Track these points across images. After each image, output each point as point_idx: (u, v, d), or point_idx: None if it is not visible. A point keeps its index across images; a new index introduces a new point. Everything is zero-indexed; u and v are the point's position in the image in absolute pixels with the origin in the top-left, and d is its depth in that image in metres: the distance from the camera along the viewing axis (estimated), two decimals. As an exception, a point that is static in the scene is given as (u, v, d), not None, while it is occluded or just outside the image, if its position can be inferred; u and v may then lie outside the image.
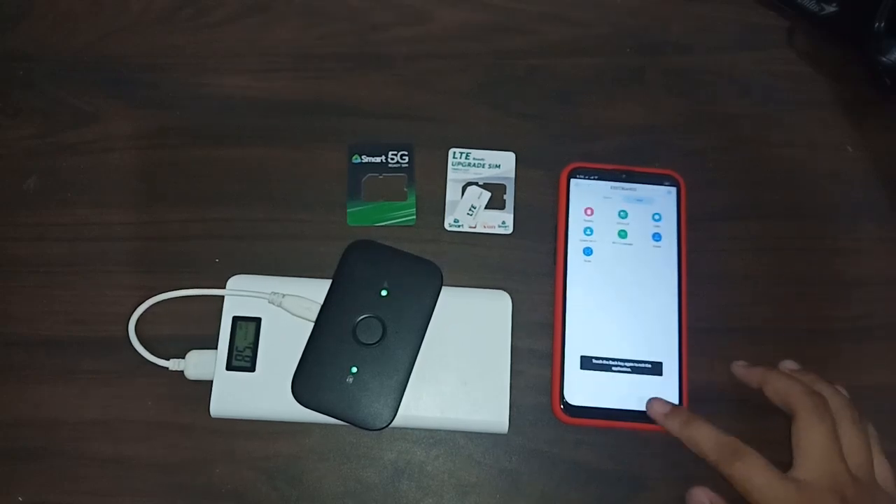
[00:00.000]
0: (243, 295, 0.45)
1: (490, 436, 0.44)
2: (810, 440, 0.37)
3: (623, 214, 0.47)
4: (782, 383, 0.40)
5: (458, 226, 0.48)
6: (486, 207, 0.49)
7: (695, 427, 0.39)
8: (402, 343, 0.43)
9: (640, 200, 0.47)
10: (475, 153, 0.50)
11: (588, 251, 0.46)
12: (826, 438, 0.37)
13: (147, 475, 0.43)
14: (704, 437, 0.39)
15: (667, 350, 0.44)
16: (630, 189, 0.48)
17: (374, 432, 0.44)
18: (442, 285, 0.45)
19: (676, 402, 0.43)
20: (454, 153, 0.50)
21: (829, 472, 0.37)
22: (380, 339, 0.44)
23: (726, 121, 0.51)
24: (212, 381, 0.44)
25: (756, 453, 0.37)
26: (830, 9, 0.51)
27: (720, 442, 0.38)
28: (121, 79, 0.51)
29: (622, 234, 0.47)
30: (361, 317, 0.44)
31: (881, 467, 0.39)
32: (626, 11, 0.54)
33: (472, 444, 0.44)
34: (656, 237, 0.47)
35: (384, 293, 0.44)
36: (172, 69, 0.52)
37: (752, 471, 0.37)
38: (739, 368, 0.43)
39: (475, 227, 0.48)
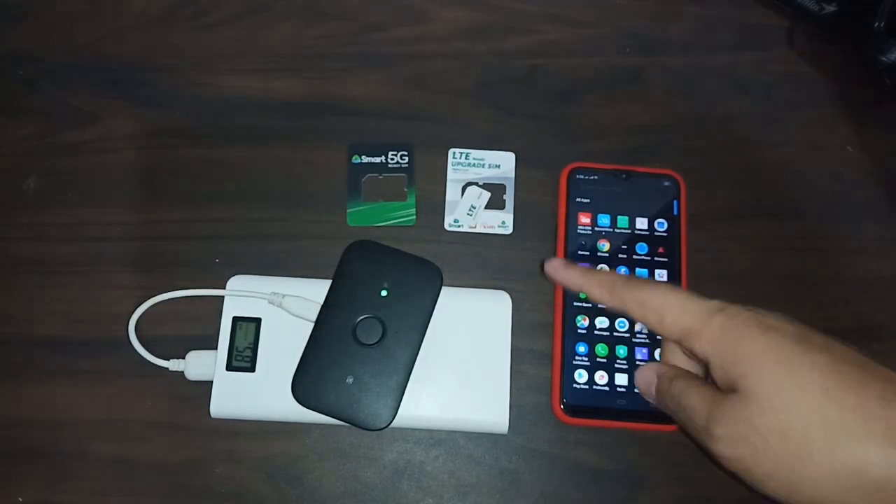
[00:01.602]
0: (243, 295, 0.45)
1: (490, 436, 0.44)
2: (671, 301, 0.32)
3: (623, 214, 0.47)
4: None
5: (458, 226, 0.48)
6: (486, 207, 0.49)
7: (595, 272, 0.36)
8: (402, 343, 0.43)
9: (640, 200, 0.47)
10: (475, 153, 0.50)
11: (588, 251, 0.46)
12: (684, 292, 0.32)
13: (147, 475, 0.43)
14: (606, 276, 0.35)
15: (667, 350, 0.44)
16: (630, 189, 0.48)
17: (374, 432, 0.44)
18: (442, 285, 0.45)
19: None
20: (454, 153, 0.50)
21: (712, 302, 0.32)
22: (380, 340, 0.44)
23: (726, 121, 0.51)
24: (212, 382, 0.44)
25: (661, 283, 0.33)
26: (830, 9, 0.51)
27: (624, 276, 0.34)
28: (121, 79, 0.51)
29: (622, 234, 0.47)
30: (361, 317, 0.44)
31: None
32: (626, 11, 0.54)
33: (472, 444, 0.44)
34: (656, 237, 0.47)
35: (384, 293, 0.44)
36: (172, 69, 0.52)
37: (666, 289, 0.32)
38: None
39: (475, 228, 0.48)
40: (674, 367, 0.34)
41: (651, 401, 0.35)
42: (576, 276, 0.36)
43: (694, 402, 0.31)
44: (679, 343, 0.32)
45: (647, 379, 0.35)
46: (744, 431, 0.29)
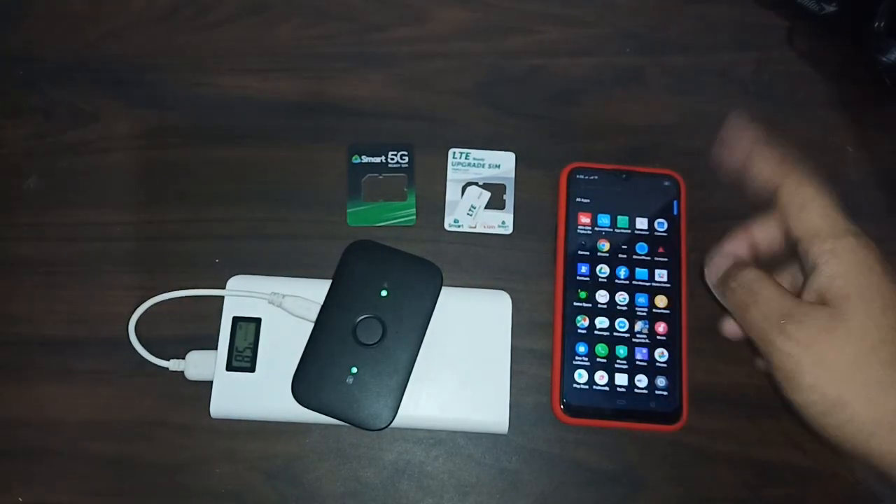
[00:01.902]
0: (243, 295, 0.45)
1: (490, 436, 0.44)
2: (820, 204, 0.33)
3: (623, 214, 0.47)
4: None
5: (458, 226, 0.48)
6: (486, 207, 0.49)
7: (764, 148, 0.36)
8: (402, 343, 0.43)
9: (640, 200, 0.47)
10: (475, 153, 0.50)
11: (588, 251, 0.46)
12: (833, 201, 0.34)
13: (147, 475, 0.43)
14: (773, 152, 0.35)
15: (667, 350, 0.44)
16: (630, 189, 0.48)
17: (374, 432, 0.44)
18: (442, 285, 0.45)
19: (677, 402, 0.43)
20: (454, 153, 0.50)
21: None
22: (380, 340, 0.44)
23: (726, 121, 0.51)
24: (212, 382, 0.44)
25: None
26: (830, 9, 0.51)
27: (792, 163, 0.35)
28: (121, 79, 0.51)
29: (622, 234, 0.47)
30: (361, 317, 0.44)
31: None
32: (626, 11, 0.54)
33: (472, 444, 0.44)
34: (656, 237, 0.47)
35: (384, 293, 0.44)
36: (172, 69, 0.52)
37: (819, 190, 0.33)
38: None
39: (475, 227, 0.48)
40: (741, 261, 0.35)
41: (714, 288, 0.36)
42: (744, 149, 0.36)
43: (772, 294, 0.32)
44: (799, 239, 0.33)
45: (718, 266, 0.36)
46: (818, 339, 0.30)
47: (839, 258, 0.31)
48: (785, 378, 0.31)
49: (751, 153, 0.36)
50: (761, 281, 0.33)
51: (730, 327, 0.39)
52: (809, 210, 0.33)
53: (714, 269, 0.36)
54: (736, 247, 0.36)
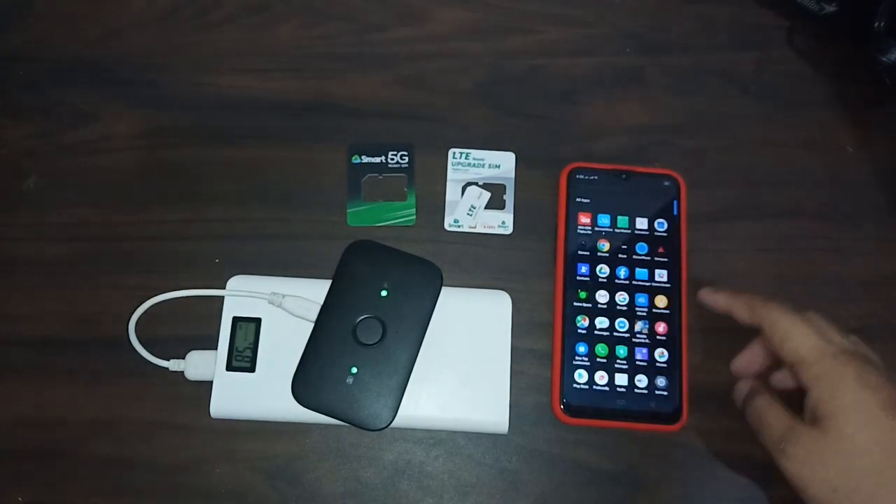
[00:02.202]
0: (243, 295, 0.45)
1: (490, 436, 0.44)
2: (797, 331, 0.37)
3: (623, 214, 0.47)
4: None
5: (458, 226, 0.48)
6: (486, 207, 0.49)
7: (742, 292, 0.41)
8: (402, 343, 0.43)
9: (640, 200, 0.47)
10: (475, 153, 0.50)
11: (588, 251, 0.46)
12: (810, 326, 0.37)
13: (147, 475, 0.43)
14: (751, 295, 0.40)
15: (667, 350, 0.44)
16: (630, 189, 0.48)
17: (374, 432, 0.44)
18: (442, 285, 0.45)
19: (677, 403, 0.43)
20: (454, 153, 0.50)
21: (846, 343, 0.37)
22: (380, 340, 0.44)
23: (726, 121, 0.51)
24: (212, 382, 0.44)
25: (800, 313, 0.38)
26: (830, 9, 0.51)
27: (768, 296, 0.40)
28: (121, 79, 0.51)
29: (622, 234, 0.47)
30: (361, 317, 0.44)
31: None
32: (626, 11, 0.54)
33: (472, 444, 0.44)
34: (656, 237, 0.47)
35: (384, 293, 0.44)
36: (172, 69, 0.52)
37: (796, 318, 0.37)
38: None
39: (475, 228, 0.48)
40: (760, 384, 0.40)
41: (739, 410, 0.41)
42: (723, 299, 0.42)
43: (772, 418, 0.37)
44: (790, 367, 0.38)
45: (740, 390, 0.41)
46: (813, 457, 0.34)
47: (821, 382, 0.35)
48: (796, 490, 0.35)
49: (727, 307, 0.41)
50: (768, 407, 0.38)
51: (741, 362, 0.42)
52: (789, 342, 0.37)
53: (738, 394, 0.42)
54: (747, 363, 0.42)
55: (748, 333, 0.46)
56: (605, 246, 0.46)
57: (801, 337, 0.37)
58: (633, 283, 0.46)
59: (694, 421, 0.44)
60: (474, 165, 0.49)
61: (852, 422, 0.34)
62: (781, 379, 0.41)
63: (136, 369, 0.45)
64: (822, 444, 0.34)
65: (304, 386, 0.43)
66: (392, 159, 0.49)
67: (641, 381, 0.44)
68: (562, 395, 0.44)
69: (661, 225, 0.47)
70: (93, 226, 0.48)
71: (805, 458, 0.35)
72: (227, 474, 0.43)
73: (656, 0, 0.54)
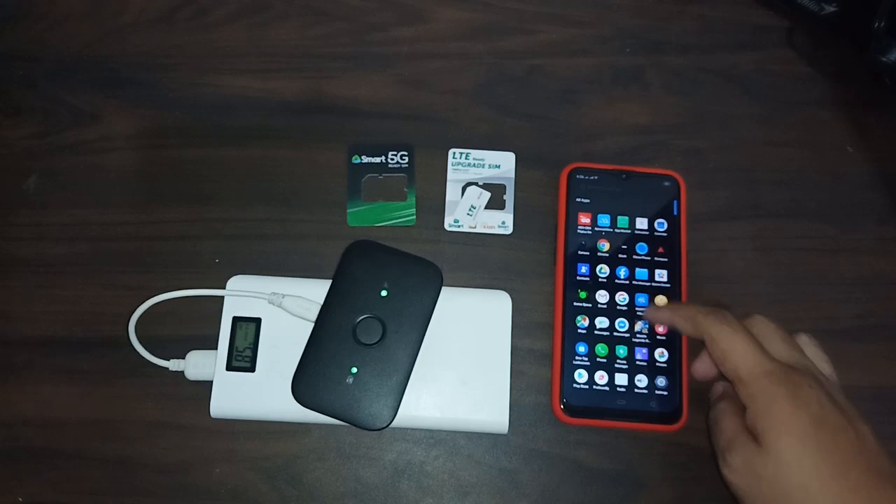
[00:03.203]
0: (243, 295, 0.45)
1: (490, 436, 0.44)
2: (735, 348, 0.38)
3: (623, 214, 0.47)
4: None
5: (458, 226, 0.48)
6: (486, 207, 0.49)
7: (684, 304, 0.42)
8: (402, 343, 0.43)
9: (640, 200, 0.47)
10: (475, 153, 0.50)
11: (588, 251, 0.46)
12: (749, 343, 0.38)
13: (147, 475, 0.43)
14: (694, 308, 0.40)
15: (667, 350, 0.44)
16: (630, 189, 0.48)
17: (374, 432, 0.44)
18: (442, 285, 0.45)
19: (677, 402, 0.43)
20: (454, 153, 0.50)
21: (794, 357, 0.38)
22: (380, 340, 0.44)
23: (726, 121, 0.51)
24: (212, 382, 0.44)
25: (743, 325, 0.38)
26: (830, 9, 0.51)
27: (709, 309, 0.40)
28: (121, 79, 0.51)
29: (622, 234, 0.47)
30: (361, 317, 0.44)
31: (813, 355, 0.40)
32: (626, 11, 0.54)
33: (472, 444, 0.44)
34: (656, 237, 0.47)
35: (384, 293, 0.44)
36: (172, 69, 0.52)
37: (735, 334, 0.38)
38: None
39: (475, 228, 0.48)
40: (726, 391, 0.41)
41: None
42: (666, 313, 0.42)
43: (724, 426, 0.38)
44: (730, 382, 0.38)
45: (713, 391, 0.42)
46: (747, 469, 0.36)
47: (756, 401, 0.36)
48: (735, 498, 0.38)
49: (671, 321, 0.42)
50: (723, 414, 0.39)
51: (699, 367, 0.42)
52: (727, 360, 0.38)
53: (711, 395, 0.42)
54: (705, 369, 0.42)
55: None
56: (605, 246, 0.46)
57: (737, 356, 0.37)
58: (633, 283, 0.46)
59: (694, 421, 0.43)
60: (474, 165, 0.49)
61: (783, 439, 0.35)
62: (702, 371, 0.43)
63: (136, 369, 0.45)
64: (756, 457, 0.36)
65: (304, 386, 0.43)
66: (392, 159, 0.49)
67: (641, 380, 0.44)
68: (562, 395, 0.44)
69: (661, 225, 0.47)
70: (93, 226, 0.48)
71: (742, 469, 0.36)
72: (227, 474, 0.43)
73: (656, 0, 0.54)
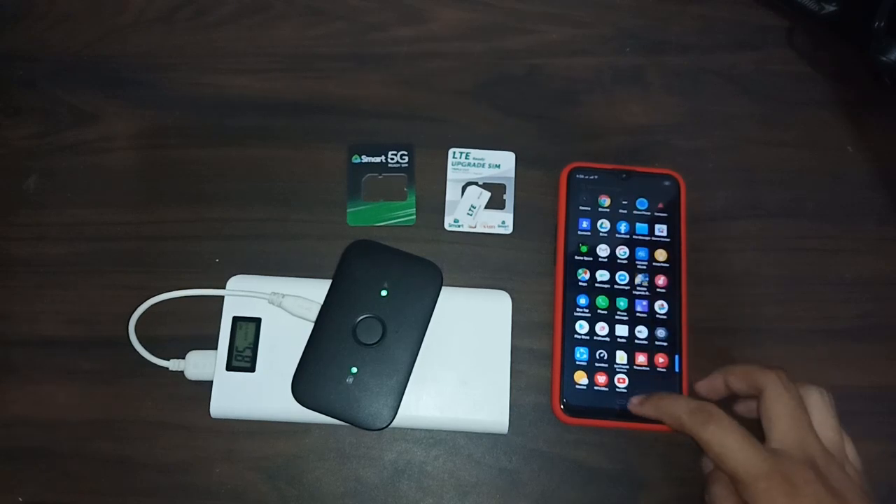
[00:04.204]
0: (243, 295, 0.45)
1: (490, 436, 0.44)
2: (778, 410, 0.37)
3: (623, 215, 0.47)
4: (743, 367, 0.40)
5: (458, 226, 0.48)
6: (486, 207, 0.49)
7: (669, 400, 0.40)
8: (402, 343, 0.43)
9: (639, 200, 0.47)
10: (475, 153, 0.50)
11: (588, 251, 0.46)
12: (794, 408, 0.37)
13: (147, 475, 0.43)
14: (679, 406, 0.39)
15: (667, 350, 0.44)
16: (630, 189, 0.48)
17: (374, 432, 0.44)
18: (442, 285, 0.45)
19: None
20: (454, 153, 0.50)
21: (799, 440, 0.37)
22: (380, 340, 0.44)
23: (726, 121, 0.51)
24: (212, 382, 0.44)
25: (730, 417, 0.37)
26: (830, 8, 0.51)
27: (693, 407, 0.38)
28: (121, 79, 0.51)
29: (622, 234, 0.47)
30: (361, 317, 0.44)
31: (847, 444, 0.39)
32: (626, 11, 0.54)
33: (472, 444, 0.44)
34: (656, 237, 0.47)
35: (384, 293, 0.44)
36: (172, 69, 0.52)
37: (725, 434, 0.37)
38: (701, 385, 0.43)
39: (475, 227, 0.48)
40: (722, 477, 0.39)
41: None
42: (651, 408, 0.41)
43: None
44: (730, 479, 0.37)
45: (706, 465, 0.41)
46: None
47: (756, 501, 0.35)
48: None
49: (657, 416, 0.41)
50: (717, 496, 0.38)
51: (702, 387, 0.42)
52: (724, 462, 0.36)
53: (705, 466, 0.41)
54: (708, 390, 0.42)
55: (747, 333, 0.46)
56: (605, 246, 0.46)
57: (732, 457, 0.36)
58: (633, 285, 0.46)
59: (694, 421, 0.43)
60: (474, 165, 0.49)
61: None
62: (744, 410, 0.42)
63: (136, 369, 0.45)
64: None
65: (304, 386, 0.43)
66: (392, 159, 0.49)
67: (642, 381, 0.44)
68: (562, 396, 0.44)
69: (661, 225, 0.47)
70: (93, 226, 0.48)
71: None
72: (227, 474, 0.43)
73: (656, 0, 0.54)
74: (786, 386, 0.38)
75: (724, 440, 0.36)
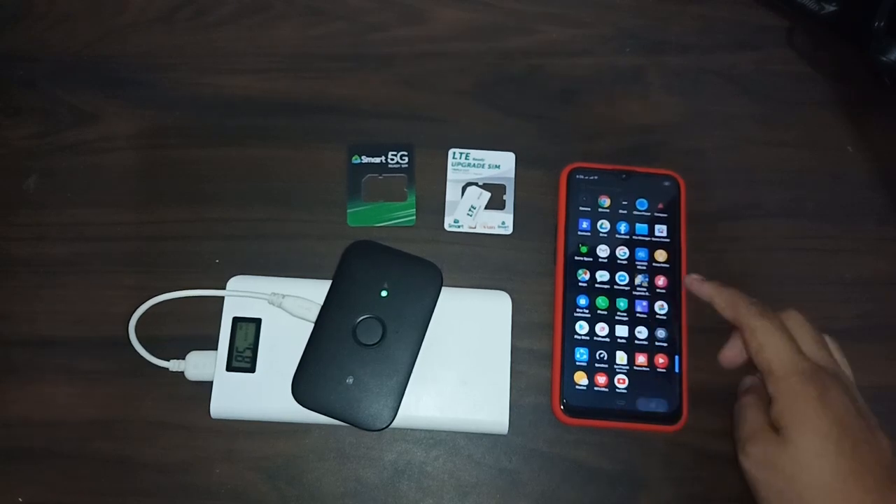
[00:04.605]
0: (243, 295, 0.45)
1: (490, 436, 0.44)
2: (772, 342, 0.39)
3: (623, 215, 0.47)
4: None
5: (458, 226, 0.48)
6: (486, 208, 0.49)
7: (731, 289, 0.42)
8: (402, 344, 0.43)
9: (639, 201, 0.47)
10: (475, 153, 0.50)
11: (588, 251, 0.46)
12: (786, 340, 0.39)
13: (147, 475, 0.43)
14: (739, 295, 0.41)
15: (667, 350, 0.44)
16: (630, 189, 0.48)
17: (374, 432, 0.44)
18: (442, 285, 0.45)
19: (677, 403, 0.43)
20: (454, 153, 0.50)
21: (806, 365, 0.38)
22: (380, 340, 0.44)
23: (726, 121, 0.51)
24: (212, 382, 0.44)
25: (784, 325, 0.39)
26: (830, 8, 0.51)
27: (754, 300, 0.41)
28: (121, 79, 0.51)
29: (622, 234, 0.47)
30: (361, 317, 0.44)
31: (835, 352, 0.41)
32: (626, 11, 0.54)
33: (472, 445, 0.44)
34: (656, 237, 0.47)
35: (384, 293, 0.44)
36: (172, 69, 0.52)
37: (774, 329, 0.39)
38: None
39: (475, 228, 0.48)
40: (753, 385, 0.42)
41: None
42: (708, 289, 0.43)
43: (748, 416, 0.40)
44: (760, 373, 0.39)
45: (742, 384, 0.43)
46: (766, 460, 0.37)
47: (786, 396, 0.37)
48: (750, 488, 0.39)
49: (710, 298, 0.43)
50: (748, 406, 0.40)
51: (727, 355, 0.43)
52: (762, 353, 0.39)
53: (739, 388, 0.43)
54: (733, 355, 0.43)
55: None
56: (605, 246, 0.46)
57: (772, 350, 0.38)
58: (633, 285, 0.46)
59: (694, 421, 0.44)
60: (474, 165, 0.49)
61: (806, 436, 0.36)
62: (729, 359, 0.43)
63: (136, 369, 0.45)
64: (777, 450, 0.37)
65: (304, 386, 0.43)
66: (392, 159, 0.49)
67: (642, 381, 0.44)
68: (562, 396, 0.44)
69: (661, 225, 0.47)
70: (93, 226, 0.48)
71: (760, 460, 0.37)
72: (227, 474, 0.43)
73: (656, 0, 0.54)
74: (772, 321, 0.39)
75: (772, 334, 0.39)
